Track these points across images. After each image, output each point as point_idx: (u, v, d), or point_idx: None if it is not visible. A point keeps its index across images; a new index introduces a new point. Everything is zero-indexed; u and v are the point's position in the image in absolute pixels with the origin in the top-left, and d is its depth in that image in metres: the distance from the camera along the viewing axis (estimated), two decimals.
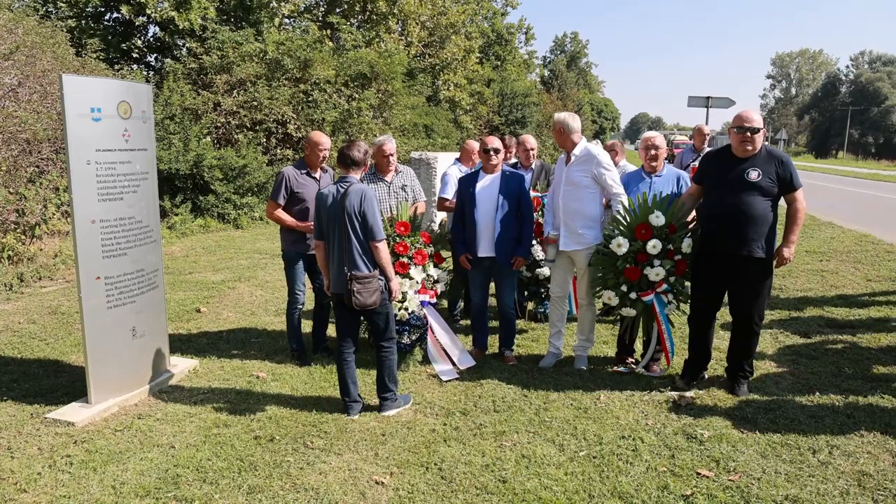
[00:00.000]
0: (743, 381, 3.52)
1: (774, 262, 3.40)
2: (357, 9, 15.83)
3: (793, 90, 69.85)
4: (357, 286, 3.05)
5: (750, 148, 3.29)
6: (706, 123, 10.50)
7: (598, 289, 3.79)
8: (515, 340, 4.27)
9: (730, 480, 2.63)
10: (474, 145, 4.82)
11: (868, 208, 12.62)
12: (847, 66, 61.22)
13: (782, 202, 3.39)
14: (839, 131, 52.93)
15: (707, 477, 2.66)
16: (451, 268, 4.44)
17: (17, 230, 6.29)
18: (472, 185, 3.97)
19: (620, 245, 3.59)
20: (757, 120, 3.31)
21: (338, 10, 15.77)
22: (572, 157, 3.74)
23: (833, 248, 7.65)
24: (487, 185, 3.95)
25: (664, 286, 3.64)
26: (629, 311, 3.71)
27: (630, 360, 4.00)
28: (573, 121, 3.76)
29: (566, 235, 3.78)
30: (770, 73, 71.54)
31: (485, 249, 3.93)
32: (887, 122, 50.98)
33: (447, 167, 4.93)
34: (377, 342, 3.26)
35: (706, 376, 3.71)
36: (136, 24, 11.83)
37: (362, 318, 3.38)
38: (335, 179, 3.24)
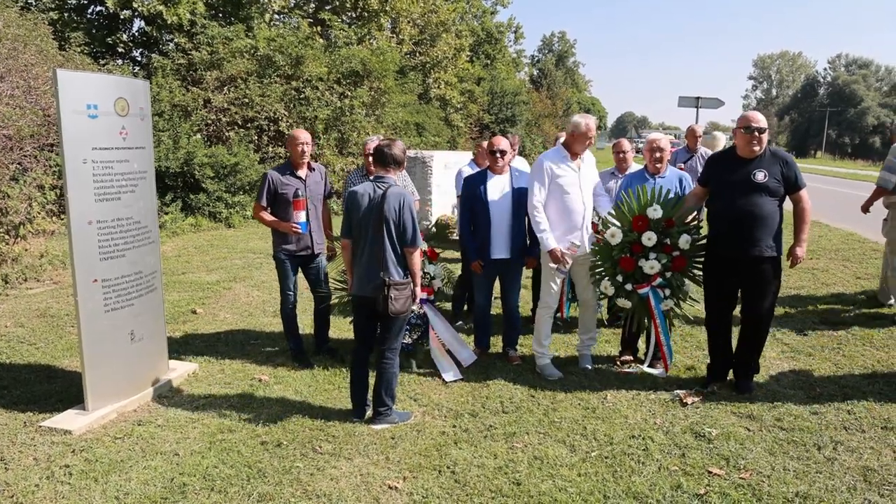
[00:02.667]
0: (748, 379, 3.56)
1: (788, 263, 3.45)
2: (348, 5, 15.67)
3: (773, 91, 71.13)
4: (394, 293, 3.00)
5: (757, 148, 3.32)
6: (696, 122, 10.68)
7: (595, 278, 3.80)
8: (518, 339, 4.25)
9: (741, 479, 2.65)
10: None
11: (850, 207, 12.86)
12: (825, 69, 62.72)
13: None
14: (817, 132, 54.07)
15: (718, 475, 2.68)
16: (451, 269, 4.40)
17: (1, 230, 6.09)
18: (480, 186, 3.92)
19: (614, 235, 3.63)
20: (763, 120, 3.35)
21: (328, 7, 15.60)
22: (583, 159, 3.75)
23: (822, 247, 7.79)
24: (499, 185, 3.91)
25: (659, 280, 3.65)
26: (625, 303, 3.74)
27: (631, 359, 4.01)
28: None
29: (586, 237, 3.79)
30: (752, 74, 72.84)
31: (499, 251, 3.90)
32: (863, 123, 52.23)
33: (461, 166, 4.94)
34: (381, 347, 3.19)
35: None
36: (122, 17, 11.55)
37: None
38: (372, 178, 3.14)
